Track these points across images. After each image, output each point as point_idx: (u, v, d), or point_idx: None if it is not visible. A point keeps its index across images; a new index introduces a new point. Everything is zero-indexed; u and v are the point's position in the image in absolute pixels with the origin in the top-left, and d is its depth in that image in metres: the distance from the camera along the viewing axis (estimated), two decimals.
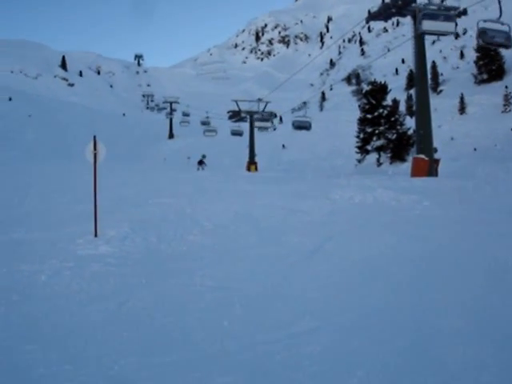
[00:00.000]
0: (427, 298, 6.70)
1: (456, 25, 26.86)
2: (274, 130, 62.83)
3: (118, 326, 6.01)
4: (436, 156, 31.05)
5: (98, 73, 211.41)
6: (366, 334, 5.55)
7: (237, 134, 64.39)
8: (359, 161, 49.45)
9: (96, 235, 11.32)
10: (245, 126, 61.82)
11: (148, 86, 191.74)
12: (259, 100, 59.44)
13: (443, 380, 4.42)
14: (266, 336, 5.52)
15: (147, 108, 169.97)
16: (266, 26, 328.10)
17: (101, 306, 6.74)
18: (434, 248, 9.64)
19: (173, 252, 10.26)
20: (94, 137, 12.18)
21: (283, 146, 76.68)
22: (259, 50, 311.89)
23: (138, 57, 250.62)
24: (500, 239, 10.09)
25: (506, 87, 72.49)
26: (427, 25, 26.58)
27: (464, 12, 33.29)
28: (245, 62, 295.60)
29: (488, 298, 6.57)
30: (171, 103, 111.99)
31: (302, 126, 47.94)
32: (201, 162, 50.83)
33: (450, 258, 8.75)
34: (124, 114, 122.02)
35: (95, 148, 12.05)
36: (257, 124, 58.70)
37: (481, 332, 5.46)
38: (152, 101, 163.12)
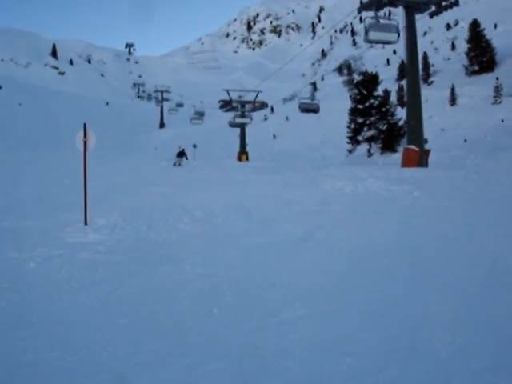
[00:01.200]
0: (417, 286, 6.75)
1: (398, 35, 27.78)
2: (266, 120, 61.46)
3: (107, 313, 6.00)
4: (426, 147, 31.10)
5: (89, 61, 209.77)
6: (356, 321, 5.58)
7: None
8: (350, 151, 49.45)
9: (86, 223, 11.27)
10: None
11: (139, 76, 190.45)
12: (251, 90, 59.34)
13: (432, 367, 4.45)
14: (255, 323, 5.53)
15: (138, 97, 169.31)
16: (257, 15, 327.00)
17: (91, 294, 6.73)
18: (424, 237, 9.69)
19: (163, 240, 10.25)
20: (84, 124, 12.12)
21: (274, 136, 76.67)
22: (251, 39, 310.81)
23: (129, 45, 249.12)
24: (489, 229, 10.15)
25: (497, 79, 72.50)
26: (372, 35, 27.24)
27: (456, 3, 33.41)
28: (236, 52, 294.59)
29: (477, 286, 6.61)
30: (162, 92, 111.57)
31: (309, 108, 44.96)
32: (181, 154, 38.75)
33: (439, 248, 8.79)
34: (107, 103, 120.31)
35: (85, 136, 12.00)
36: (237, 120, 58.44)
37: (470, 320, 5.50)
38: (144, 91, 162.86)
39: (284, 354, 4.73)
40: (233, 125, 60.03)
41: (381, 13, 29.03)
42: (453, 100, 76.47)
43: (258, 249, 9.16)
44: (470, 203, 13.71)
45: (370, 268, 7.70)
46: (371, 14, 28.05)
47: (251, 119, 59.32)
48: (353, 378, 4.25)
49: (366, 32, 27.46)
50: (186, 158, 39.19)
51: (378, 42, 29.34)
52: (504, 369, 4.35)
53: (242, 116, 58.07)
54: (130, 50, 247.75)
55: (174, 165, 36.45)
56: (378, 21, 26.96)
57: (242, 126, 58.92)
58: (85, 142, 12.00)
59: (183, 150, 39.78)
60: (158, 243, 9.99)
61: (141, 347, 4.98)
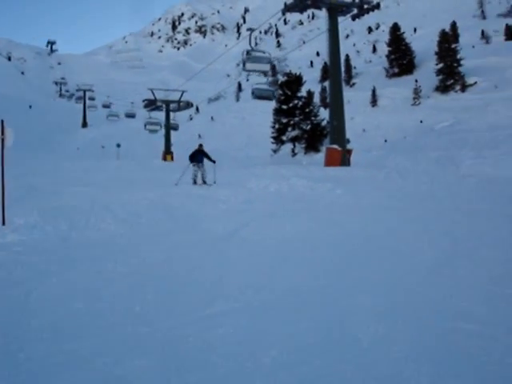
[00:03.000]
0: (341, 279, 6.86)
1: (270, 65, 32.37)
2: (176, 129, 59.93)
3: (24, 313, 5.79)
4: (349, 146, 31.80)
5: (9, 59, 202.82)
6: (280, 314, 5.61)
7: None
8: (274, 151, 49.88)
9: (4, 224, 10.88)
10: (161, 116, 60.92)
11: (62, 78, 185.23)
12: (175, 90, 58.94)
13: (355, 355, 4.53)
14: (179, 319, 5.47)
15: (60, 96, 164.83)
16: (182, 14, 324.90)
17: (7, 294, 6.48)
18: (346, 232, 9.88)
19: (85, 240, 10.00)
20: (2, 121, 11.69)
21: (199, 135, 76.44)
22: (175, 39, 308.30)
23: (51, 43, 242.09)
24: (408, 224, 10.47)
25: (416, 81, 74.85)
26: (249, 66, 30.33)
27: (377, 6, 34.31)
28: (161, 51, 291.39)
29: (400, 277, 6.80)
30: (85, 91, 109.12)
31: (263, 95, 43.55)
32: (197, 156, 23.41)
33: (361, 243, 9.00)
34: (30, 107, 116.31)
35: (2, 133, 11.57)
36: (148, 127, 58.31)
37: (391, 310, 5.64)
38: (67, 91, 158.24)
39: (207, 349, 4.70)
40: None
41: (303, 14, 30.74)
42: (374, 101, 78.46)
43: (182, 246, 9.09)
44: (390, 200, 14.09)
45: (293, 262, 7.79)
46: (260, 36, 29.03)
47: (161, 127, 59.04)
48: (276, 371, 4.27)
49: (244, 63, 30.74)
50: (213, 161, 22.55)
51: (254, 71, 32.26)
52: (424, 356, 4.48)
53: (152, 124, 58.03)
54: (51, 47, 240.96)
55: (195, 183, 21.65)
56: (253, 54, 30.41)
57: (167, 123, 58.57)
58: (2, 140, 11.57)
59: (201, 146, 23.33)
60: (80, 243, 9.74)
61: (59, 347, 4.83)
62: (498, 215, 11.29)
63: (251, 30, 34.44)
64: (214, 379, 4.16)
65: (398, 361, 4.40)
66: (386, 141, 50.23)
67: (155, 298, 6.21)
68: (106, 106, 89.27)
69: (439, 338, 4.88)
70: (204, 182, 21.85)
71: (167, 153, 57.25)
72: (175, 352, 4.68)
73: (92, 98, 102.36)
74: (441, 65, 76.44)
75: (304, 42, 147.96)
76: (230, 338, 4.97)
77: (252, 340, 4.93)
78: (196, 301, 6.04)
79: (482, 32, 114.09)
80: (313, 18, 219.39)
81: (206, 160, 22.84)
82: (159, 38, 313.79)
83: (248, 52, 30.40)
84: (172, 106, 59.56)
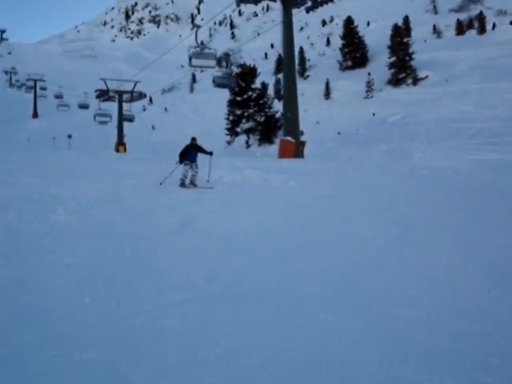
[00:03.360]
0: (290, 268, 6.93)
1: (216, 61, 32.15)
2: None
3: None
4: (302, 138, 31.97)
5: None
6: (232, 304, 5.64)
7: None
8: (229, 143, 49.84)
9: None
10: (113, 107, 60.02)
11: (12, 67, 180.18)
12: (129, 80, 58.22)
13: (306, 343, 4.59)
14: (129, 311, 5.44)
15: (10, 85, 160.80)
16: (136, 4, 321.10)
17: None
18: (298, 223, 9.96)
19: (34, 232, 9.79)
20: None
21: (153, 127, 75.77)
22: (129, 28, 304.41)
23: (1, 32, 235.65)
24: (358, 214, 10.62)
25: (369, 74, 75.83)
26: (195, 62, 30.71)
27: None
28: (114, 41, 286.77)
29: (348, 266, 6.90)
30: (35, 81, 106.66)
31: (224, 83, 42.42)
32: (189, 152, 19.13)
33: (311, 233, 9.08)
34: None
35: None
36: (97, 119, 57.55)
37: (342, 298, 5.72)
38: (18, 80, 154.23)
39: (158, 339, 4.69)
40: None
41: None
42: (327, 94, 79.08)
43: (133, 237, 8.99)
44: (342, 191, 14.26)
45: (245, 252, 7.82)
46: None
47: (111, 118, 58.17)
48: (227, 359, 4.30)
49: (190, 59, 30.96)
50: (210, 153, 18.51)
51: (200, 67, 32.87)
52: (373, 343, 4.56)
53: (102, 115, 57.22)
54: (1, 36, 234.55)
55: (183, 185, 17.39)
56: (199, 51, 30.81)
57: (119, 114, 57.79)
58: None
59: (194, 140, 18.65)
60: (29, 235, 9.53)
61: (7, 340, 4.75)
62: (445, 205, 11.55)
63: (197, 26, 34.66)
64: (165, 369, 4.16)
65: (348, 348, 4.48)
66: (339, 133, 50.65)
67: (105, 289, 6.16)
68: (58, 97, 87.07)
69: (387, 325, 4.98)
70: (192, 184, 17.45)
71: (120, 144, 56.53)
72: (125, 343, 4.66)
73: (43, 88, 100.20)
74: (393, 58, 77.61)
75: (258, 34, 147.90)
76: (181, 328, 4.97)
77: (203, 329, 4.94)
78: (147, 291, 6.02)
79: (434, 27, 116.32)
80: (267, 9, 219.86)
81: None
82: (112, 27, 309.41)
83: (194, 48, 30.68)
84: (125, 96, 58.73)
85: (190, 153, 17.93)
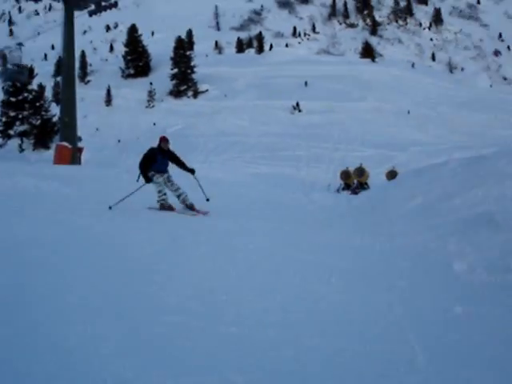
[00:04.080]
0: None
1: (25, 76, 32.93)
2: None
3: None
4: (80, 144, 31.23)
5: None
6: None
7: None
8: (1, 146, 46.94)
9: None
10: None
11: None
12: None
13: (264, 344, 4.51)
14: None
15: None
16: None
17: None
18: (68, 230, 9.70)
19: None
20: None
21: None
22: None
23: None
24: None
25: (151, 84, 76.46)
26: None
27: (115, 5, 34.46)
28: None
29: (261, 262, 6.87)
30: None
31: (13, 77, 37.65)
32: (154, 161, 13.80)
33: (85, 240, 8.90)
34: None
35: None
36: None
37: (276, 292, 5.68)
38: None
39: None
40: None
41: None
42: (109, 101, 78.25)
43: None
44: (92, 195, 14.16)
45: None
46: None
47: None
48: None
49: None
50: (191, 172, 12.68)
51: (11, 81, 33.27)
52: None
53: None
54: None
55: (164, 206, 12.14)
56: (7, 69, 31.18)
57: None
58: None
59: (164, 143, 12.51)
60: None
61: None
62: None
63: None
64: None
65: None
66: (119, 141, 50.35)
67: None
68: None
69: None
70: (187, 206, 12.18)
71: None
72: None
73: None
74: (175, 70, 79.26)
75: (39, 34, 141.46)
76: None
77: None
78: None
79: (216, 42, 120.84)
80: (50, 9, 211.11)
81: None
82: None
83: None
84: None
85: (160, 161, 12.33)
